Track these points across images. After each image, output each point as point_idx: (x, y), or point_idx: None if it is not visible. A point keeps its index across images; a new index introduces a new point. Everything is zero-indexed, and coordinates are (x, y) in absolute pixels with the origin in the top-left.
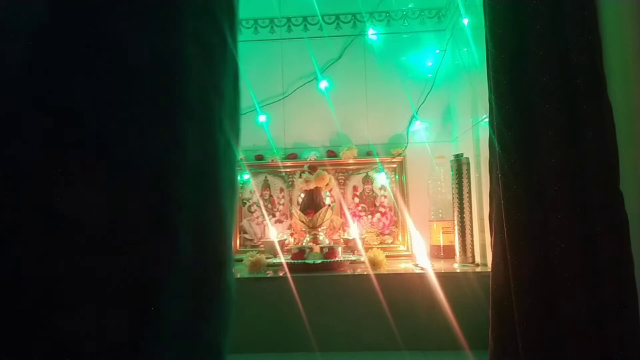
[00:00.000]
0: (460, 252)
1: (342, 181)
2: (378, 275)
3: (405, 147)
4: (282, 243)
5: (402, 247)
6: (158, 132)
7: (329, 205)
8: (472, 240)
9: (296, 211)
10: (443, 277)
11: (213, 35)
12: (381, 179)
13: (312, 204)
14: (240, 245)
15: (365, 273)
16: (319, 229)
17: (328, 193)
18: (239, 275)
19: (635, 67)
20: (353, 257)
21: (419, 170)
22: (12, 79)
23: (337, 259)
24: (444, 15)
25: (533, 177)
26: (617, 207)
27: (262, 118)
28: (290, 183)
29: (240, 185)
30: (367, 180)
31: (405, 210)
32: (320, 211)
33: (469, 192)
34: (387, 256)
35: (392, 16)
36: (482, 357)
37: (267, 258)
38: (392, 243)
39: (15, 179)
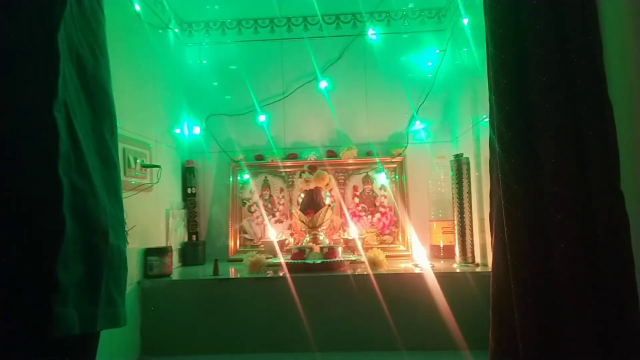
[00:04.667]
0: (460, 252)
1: (342, 181)
2: (378, 275)
3: (405, 147)
4: (282, 243)
5: (402, 247)
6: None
7: (329, 205)
8: (472, 240)
9: (296, 211)
10: (443, 277)
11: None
12: (381, 179)
13: (312, 204)
14: (240, 245)
15: (365, 273)
16: (319, 229)
17: (328, 193)
18: (233, 275)
19: (635, 67)
20: (353, 257)
21: (419, 170)
22: None
23: (337, 259)
24: (444, 15)
25: (533, 177)
26: (617, 207)
27: (262, 118)
28: (290, 183)
29: (240, 185)
30: (367, 180)
31: (405, 210)
32: (320, 211)
33: (469, 192)
34: (387, 256)
35: (392, 16)
36: (482, 357)
37: (267, 258)
38: (392, 243)
39: None
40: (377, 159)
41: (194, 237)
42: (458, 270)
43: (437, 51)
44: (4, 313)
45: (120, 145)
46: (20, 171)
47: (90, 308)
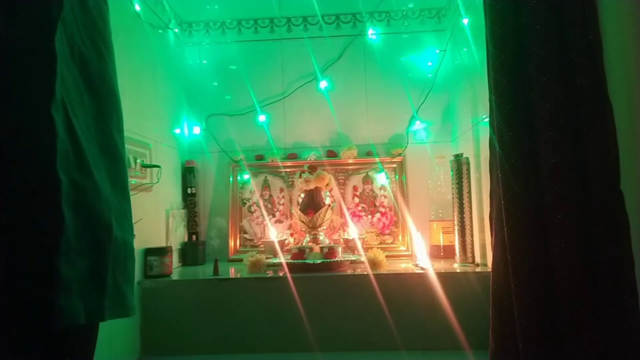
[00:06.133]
0: (460, 252)
1: (342, 181)
2: (378, 275)
3: (405, 147)
4: (282, 243)
5: (402, 247)
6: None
7: (329, 205)
8: (472, 240)
9: (296, 211)
10: (443, 277)
11: None
12: (381, 179)
13: (312, 204)
14: (240, 245)
15: (365, 273)
16: (319, 229)
17: (328, 193)
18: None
19: (635, 67)
20: (353, 257)
21: (419, 170)
22: None
23: (337, 259)
24: (444, 15)
25: (533, 177)
26: (617, 207)
27: (262, 118)
28: (290, 183)
29: (240, 185)
30: (367, 180)
31: (405, 210)
32: (320, 211)
33: (469, 192)
34: (387, 256)
35: (392, 16)
36: (482, 357)
37: (267, 258)
38: (392, 243)
39: None
40: (377, 159)
41: (194, 237)
42: (458, 270)
43: (437, 51)
44: (9, 307)
45: None
46: (20, 170)
47: (96, 299)
